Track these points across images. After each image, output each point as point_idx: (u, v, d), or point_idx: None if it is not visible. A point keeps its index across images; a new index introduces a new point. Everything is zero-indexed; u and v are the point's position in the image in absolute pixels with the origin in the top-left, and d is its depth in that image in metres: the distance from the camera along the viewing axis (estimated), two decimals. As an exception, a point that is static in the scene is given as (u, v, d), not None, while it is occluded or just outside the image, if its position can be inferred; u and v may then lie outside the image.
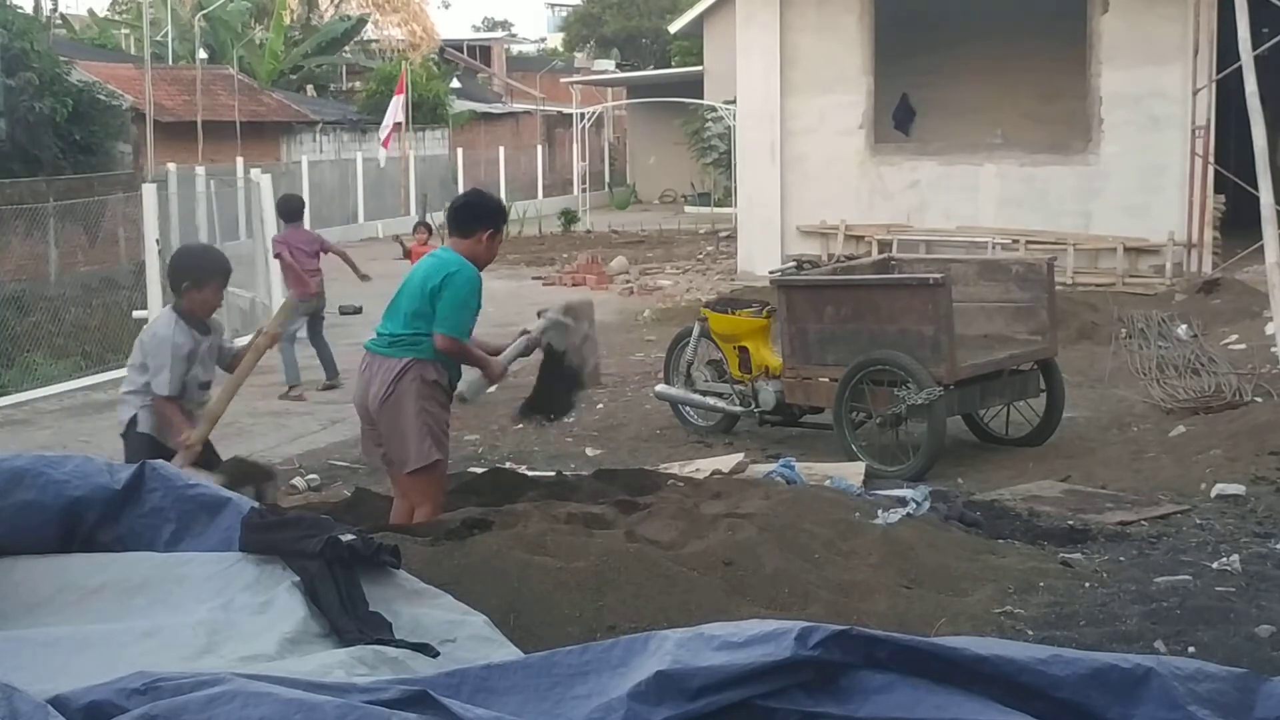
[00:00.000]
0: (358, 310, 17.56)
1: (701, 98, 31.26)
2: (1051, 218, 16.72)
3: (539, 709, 2.51)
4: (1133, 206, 16.21)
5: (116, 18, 43.43)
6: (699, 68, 32.69)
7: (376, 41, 43.08)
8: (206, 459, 5.85)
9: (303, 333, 12.45)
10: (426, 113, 35.27)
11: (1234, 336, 12.10)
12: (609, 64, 50.60)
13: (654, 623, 3.98)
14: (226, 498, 3.78)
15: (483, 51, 50.67)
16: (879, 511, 5.59)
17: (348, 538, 3.52)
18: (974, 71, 20.15)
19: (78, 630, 3.22)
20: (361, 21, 41.23)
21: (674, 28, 36.08)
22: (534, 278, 20.60)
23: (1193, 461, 7.59)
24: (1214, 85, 15.59)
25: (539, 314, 6.36)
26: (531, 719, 2.49)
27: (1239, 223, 15.45)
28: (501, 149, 37.11)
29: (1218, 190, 16.11)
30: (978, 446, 8.97)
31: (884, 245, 16.66)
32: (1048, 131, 18.37)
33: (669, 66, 42.00)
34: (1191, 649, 4.13)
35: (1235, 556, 5.28)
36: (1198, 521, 6.11)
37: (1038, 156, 17.07)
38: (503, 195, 33.33)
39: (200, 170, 21.50)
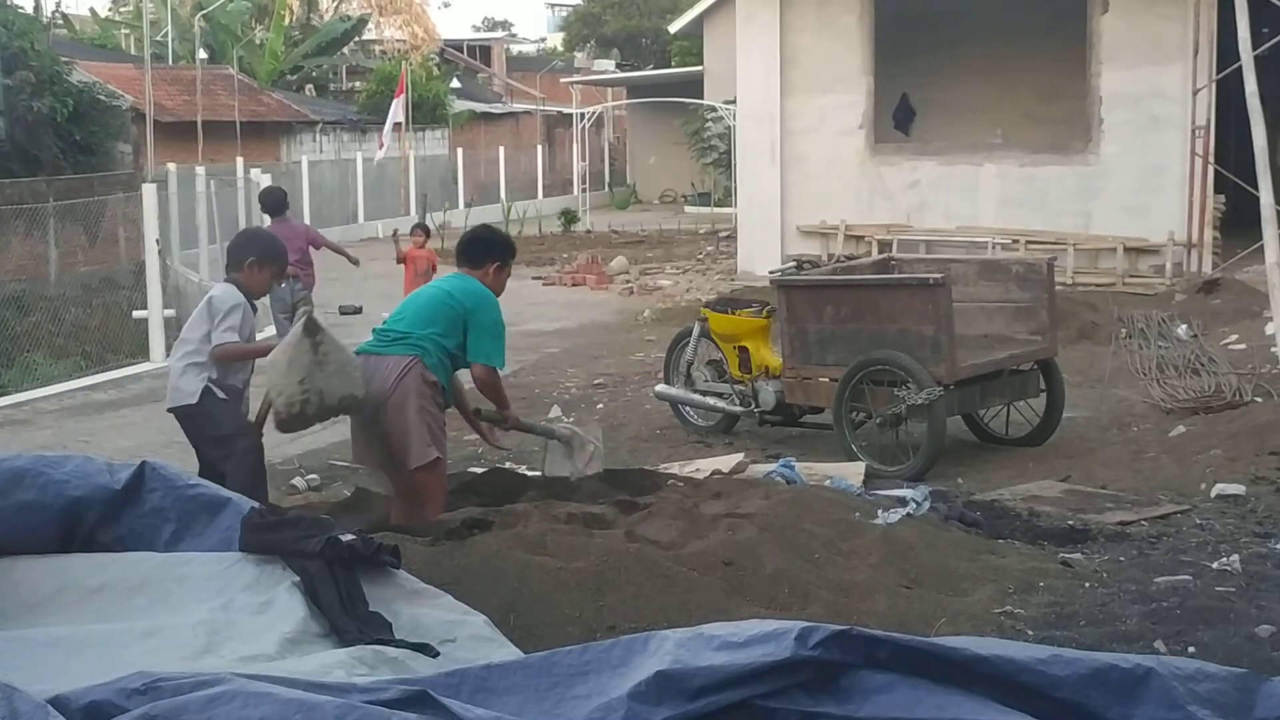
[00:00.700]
0: (358, 310, 17.58)
1: (701, 98, 31.27)
2: (1051, 218, 16.73)
3: (539, 709, 2.51)
4: (1133, 206, 16.22)
5: (117, 18, 43.43)
6: (699, 68, 32.69)
7: (377, 42, 43.09)
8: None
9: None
10: (426, 113, 35.28)
11: (1234, 336, 12.10)
12: (609, 64, 50.60)
13: (654, 623, 3.98)
14: (226, 498, 3.78)
15: (483, 51, 50.67)
16: (879, 511, 5.59)
17: (348, 538, 3.52)
18: (974, 71, 20.15)
19: (78, 630, 3.22)
20: (362, 22, 41.24)
21: (674, 28, 36.09)
22: (534, 278, 20.60)
23: (1193, 461, 7.59)
24: (1214, 85, 15.59)
25: (575, 422, 6.74)
26: (531, 719, 2.49)
27: (1239, 223, 15.46)
28: (501, 149, 37.11)
29: (1218, 190, 16.11)
30: (978, 446, 8.97)
31: (884, 245, 16.67)
32: (1048, 131, 18.37)
33: (669, 66, 42.01)
34: (1191, 649, 4.13)
35: (1235, 556, 5.28)
36: (1198, 521, 6.11)
37: (1038, 156, 17.07)
38: (502, 195, 33.47)
39: (200, 170, 21.49)
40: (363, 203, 31.98)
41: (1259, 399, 9.16)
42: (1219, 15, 15.12)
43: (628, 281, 20.08)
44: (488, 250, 6.18)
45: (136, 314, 15.48)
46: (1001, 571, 5.04)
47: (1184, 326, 12.64)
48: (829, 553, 4.96)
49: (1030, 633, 4.34)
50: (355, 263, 13.83)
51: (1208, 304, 13.93)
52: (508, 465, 8.35)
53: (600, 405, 10.98)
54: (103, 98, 26.14)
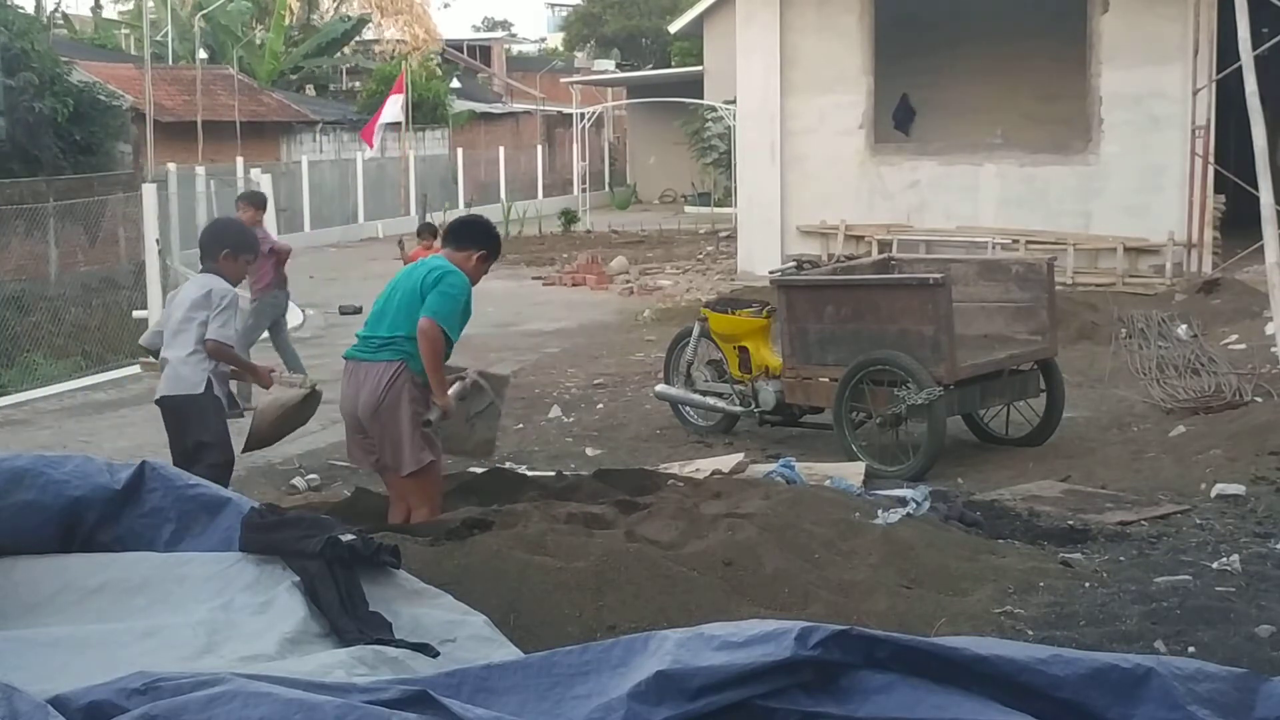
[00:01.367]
0: (358, 310, 17.56)
1: (701, 98, 31.27)
2: (1051, 218, 16.72)
3: (539, 709, 2.51)
4: (1133, 206, 16.21)
5: (117, 18, 43.45)
6: (699, 68, 32.69)
7: (377, 43, 43.09)
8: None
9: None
10: (426, 113, 35.28)
11: (1234, 336, 12.10)
12: (609, 64, 50.60)
13: (654, 623, 3.98)
14: (226, 498, 3.78)
15: (483, 51, 50.67)
16: (879, 511, 5.59)
17: (348, 538, 3.52)
18: (974, 71, 20.16)
19: (78, 630, 3.22)
20: (362, 22, 41.24)
21: (674, 28, 36.08)
22: (534, 278, 20.62)
23: (1193, 461, 7.59)
24: (1214, 85, 15.59)
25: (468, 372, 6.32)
26: (531, 719, 2.49)
27: (1239, 223, 15.45)
28: (501, 149, 37.11)
29: (1218, 190, 16.11)
30: (978, 446, 8.97)
31: (884, 245, 16.66)
32: (1048, 131, 18.37)
33: (669, 66, 42.00)
34: (1191, 649, 4.13)
35: (1235, 556, 5.28)
36: (1198, 521, 6.11)
37: (1038, 156, 17.07)
38: (502, 195, 33.47)
39: (200, 170, 21.52)
40: (363, 203, 31.98)
41: (1259, 399, 9.16)
42: (1219, 15, 15.12)
43: (628, 281, 20.08)
44: (475, 236, 6.09)
45: (136, 314, 15.49)
46: (1001, 571, 5.04)
47: (1184, 326, 12.64)
48: (829, 553, 4.96)
49: (1030, 633, 4.34)
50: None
51: (1208, 304, 13.93)
52: (508, 465, 8.36)
53: (600, 405, 10.98)
54: (103, 98, 26.13)
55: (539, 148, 39.98)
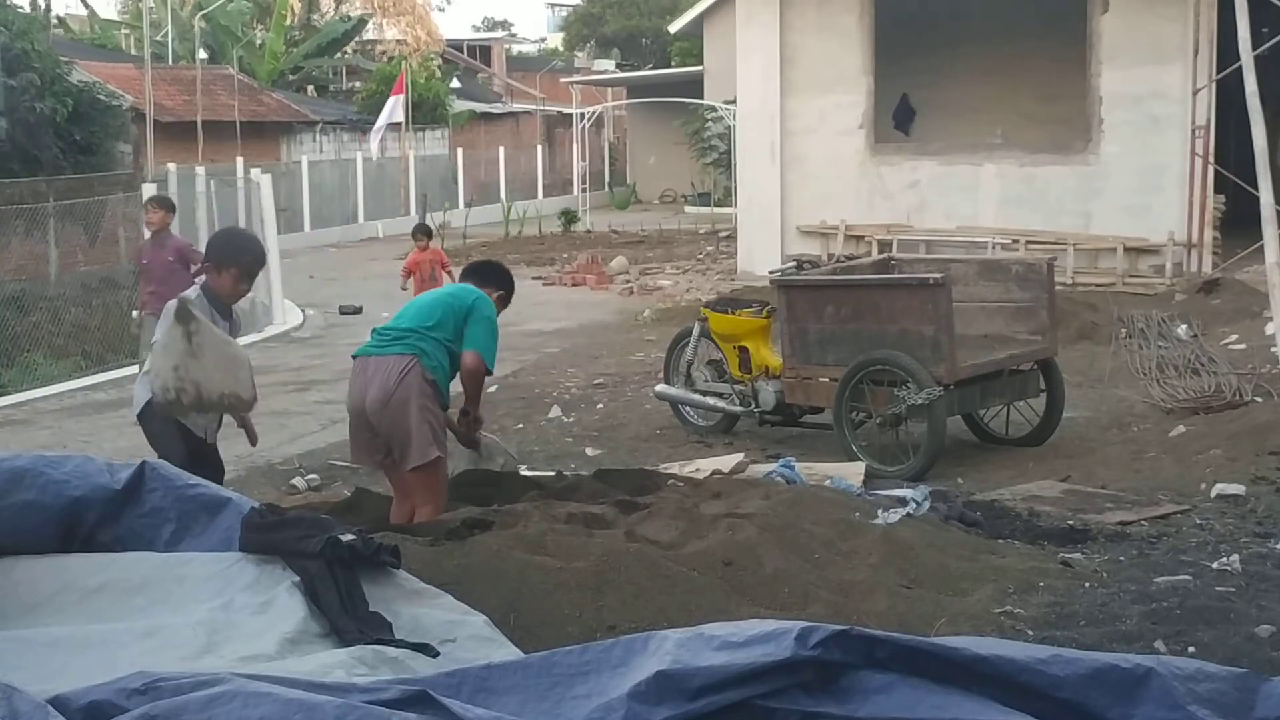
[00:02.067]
0: (358, 310, 17.59)
1: (701, 98, 31.27)
2: (1051, 218, 16.73)
3: (539, 709, 2.51)
4: (1133, 206, 16.22)
5: (117, 18, 43.44)
6: (699, 68, 32.69)
7: (378, 43, 43.09)
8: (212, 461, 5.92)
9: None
10: (426, 113, 35.28)
11: (1234, 336, 12.10)
12: (609, 64, 50.60)
13: (654, 623, 3.98)
14: (226, 498, 3.78)
15: (483, 51, 50.67)
16: (879, 511, 5.59)
17: (348, 538, 3.52)
18: (974, 71, 20.16)
19: (78, 630, 3.22)
20: (362, 22, 41.23)
21: (674, 28, 36.08)
22: (534, 278, 20.61)
23: (1193, 461, 7.59)
24: (1214, 85, 15.59)
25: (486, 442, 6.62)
26: (531, 719, 2.49)
27: (1239, 223, 15.45)
28: (501, 149, 37.11)
29: (1218, 190, 16.11)
30: (978, 446, 8.97)
31: (884, 245, 16.67)
32: (1048, 131, 18.37)
33: (669, 66, 42.00)
34: (1191, 649, 4.13)
35: (1235, 556, 5.27)
36: (1198, 521, 6.11)
37: (1038, 156, 17.07)
38: (502, 195, 33.47)
39: (200, 170, 21.50)
40: (363, 203, 31.98)
41: (1259, 399, 9.16)
42: (1219, 15, 15.12)
43: (628, 281, 20.08)
44: (496, 277, 6.36)
45: (136, 314, 15.48)
46: (1001, 571, 5.04)
47: (1184, 326, 12.64)
48: (829, 553, 4.96)
49: (1030, 633, 4.33)
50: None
51: (1208, 304, 13.93)
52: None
53: (600, 405, 10.98)
54: (103, 98, 26.12)
55: (539, 148, 39.99)
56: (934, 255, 13.99)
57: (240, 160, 25.43)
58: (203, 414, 5.75)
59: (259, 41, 37.74)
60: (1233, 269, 15.32)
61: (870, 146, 17.82)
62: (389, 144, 33.16)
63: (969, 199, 17.21)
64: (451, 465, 6.34)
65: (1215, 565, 5.18)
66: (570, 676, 2.56)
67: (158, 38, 34.04)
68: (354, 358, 6.05)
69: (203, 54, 32.77)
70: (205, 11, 34.47)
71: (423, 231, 13.84)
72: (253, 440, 6.23)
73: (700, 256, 22.88)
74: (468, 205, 31.34)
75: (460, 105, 39.25)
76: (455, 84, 41.08)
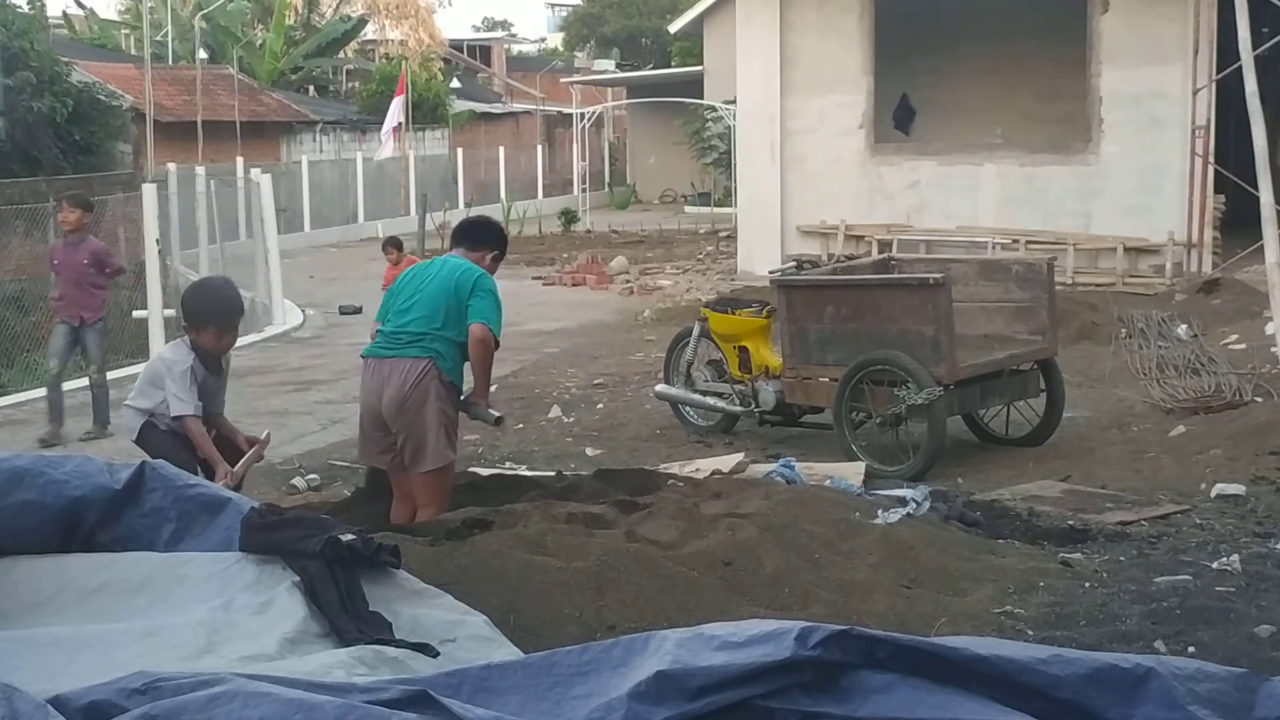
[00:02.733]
0: (358, 310, 17.58)
1: (701, 98, 31.27)
2: (1051, 218, 16.73)
3: (539, 709, 2.51)
4: (1133, 206, 16.22)
5: (117, 18, 43.43)
6: (699, 68, 32.70)
7: (378, 44, 43.09)
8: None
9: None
10: (426, 113, 35.30)
11: (1234, 336, 12.10)
12: (609, 64, 50.61)
13: (654, 623, 3.98)
14: (226, 498, 3.78)
15: (483, 51, 50.69)
16: (879, 511, 5.59)
17: (348, 538, 3.52)
18: (974, 71, 20.16)
19: (78, 630, 3.22)
20: (362, 22, 41.24)
21: (674, 28, 36.11)
22: (534, 278, 20.63)
23: (1193, 461, 7.59)
24: (1214, 85, 15.59)
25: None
26: (531, 719, 2.49)
27: (1239, 223, 15.46)
28: (501, 149, 37.12)
29: (1218, 190, 16.11)
30: (978, 446, 8.97)
31: (884, 245, 16.67)
32: (1048, 131, 18.37)
33: (669, 66, 42.01)
34: (1191, 649, 4.13)
35: (1235, 556, 5.27)
36: (1198, 521, 6.11)
37: (1038, 156, 17.07)
38: (502, 195, 33.47)
39: (200, 170, 21.51)
40: (363, 203, 31.99)
41: (1259, 399, 9.16)
42: (1219, 15, 15.12)
43: (628, 281, 20.08)
44: (488, 236, 6.24)
45: (136, 314, 15.50)
46: (1001, 571, 5.04)
47: (1184, 326, 12.64)
48: (829, 553, 4.96)
49: (1030, 633, 4.33)
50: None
51: (1208, 304, 13.93)
52: (508, 465, 8.36)
53: (600, 405, 10.98)
54: (103, 98, 26.15)
55: (539, 148, 40.00)
56: (934, 255, 13.99)
57: (240, 160, 25.44)
58: None
59: (259, 41, 37.76)
60: (1233, 269, 15.32)
61: (870, 146, 17.82)
62: (389, 144, 33.15)
63: (969, 199, 17.21)
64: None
65: (1215, 565, 5.18)
66: (570, 676, 2.56)
67: (158, 38, 34.06)
68: (363, 358, 6.03)
69: (203, 54, 32.78)
70: (205, 11, 34.47)
71: (393, 244, 13.43)
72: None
73: (700, 256, 22.88)
74: (468, 205, 31.33)
75: (460, 105, 39.27)
76: (455, 84, 41.09)
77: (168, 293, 15.62)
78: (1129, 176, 16.22)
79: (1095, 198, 16.52)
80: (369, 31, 42.73)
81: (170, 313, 14.87)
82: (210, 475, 5.69)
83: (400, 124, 29.84)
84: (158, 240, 15.00)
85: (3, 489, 3.58)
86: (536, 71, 48.21)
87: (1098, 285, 15.79)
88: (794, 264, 10.13)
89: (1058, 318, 9.61)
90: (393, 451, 5.89)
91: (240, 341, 6.74)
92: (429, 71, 39.09)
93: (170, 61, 33.42)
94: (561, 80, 42.00)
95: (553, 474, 7.06)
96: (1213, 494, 6.68)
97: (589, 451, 9.10)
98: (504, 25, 65.88)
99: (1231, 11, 10.32)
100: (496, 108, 43.19)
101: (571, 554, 4.52)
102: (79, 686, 2.52)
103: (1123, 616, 4.51)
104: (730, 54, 19.73)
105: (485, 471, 7.15)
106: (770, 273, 10.09)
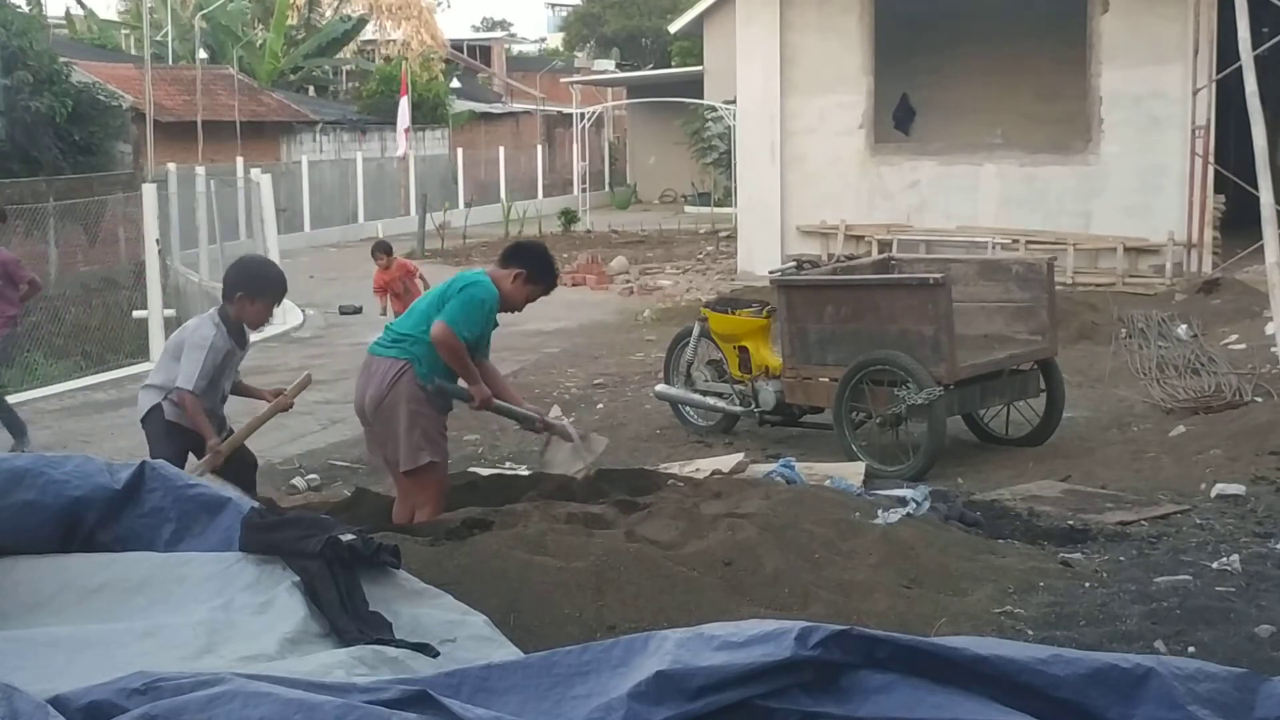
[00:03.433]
0: (357, 310, 17.58)
1: (701, 98, 31.27)
2: (1051, 218, 16.73)
3: (539, 709, 2.51)
4: (1133, 206, 16.22)
5: (117, 18, 43.44)
6: (699, 68, 32.70)
7: (378, 44, 43.09)
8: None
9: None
10: (426, 113, 35.29)
11: (1234, 336, 12.10)
12: (609, 64, 50.60)
13: (654, 623, 3.98)
14: (226, 498, 3.78)
15: (483, 51, 50.69)
16: (879, 511, 5.59)
17: (348, 538, 3.51)
18: (974, 71, 20.16)
19: (78, 630, 3.22)
20: (362, 21, 41.24)
21: (674, 28, 36.11)
22: (534, 277, 20.57)
23: (1193, 461, 7.59)
24: (1214, 85, 15.59)
25: (561, 418, 6.53)
26: (531, 719, 2.49)
27: (1239, 223, 15.46)
28: (501, 149, 37.12)
29: (1218, 190, 16.11)
30: (978, 446, 8.97)
31: (884, 245, 16.67)
32: (1048, 131, 18.38)
33: (669, 66, 42.01)
34: (1191, 649, 4.12)
35: (1235, 556, 5.27)
36: (1198, 521, 6.11)
37: (1038, 156, 17.08)
38: (502, 195, 33.46)
39: (200, 170, 21.52)
40: (363, 203, 31.98)
41: (1259, 399, 9.16)
42: (1219, 15, 15.13)
43: (628, 281, 20.08)
44: (519, 256, 6.05)
45: (136, 314, 15.51)
46: (1001, 571, 5.04)
47: (1184, 326, 12.64)
48: (829, 553, 4.96)
49: (1030, 633, 4.33)
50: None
51: (1208, 304, 13.93)
52: (507, 465, 8.36)
53: (600, 405, 10.98)
54: (102, 98, 26.14)
55: (539, 148, 40.00)
56: (934, 255, 13.99)
57: (240, 160, 25.45)
58: None
59: (259, 41, 37.75)
60: (1233, 269, 15.32)
61: (870, 146, 17.82)
62: (389, 144, 33.17)
63: (969, 199, 17.21)
64: (560, 463, 6.29)
65: (1215, 565, 5.18)
66: (570, 676, 2.56)
67: (158, 38, 34.06)
68: (368, 352, 6.08)
69: (203, 54, 32.78)
70: (205, 11, 34.47)
71: (382, 249, 13.33)
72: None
73: (700, 256, 22.88)
74: (468, 205, 31.34)
75: (460, 105, 39.27)
76: (455, 84, 41.10)
77: (168, 293, 15.64)
78: (1129, 176, 16.23)
79: (1095, 198, 16.52)
80: (369, 31, 42.74)
81: (170, 313, 14.90)
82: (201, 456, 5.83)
83: (400, 121, 29.83)
84: (158, 240, 15.01)
85: (3, 489, 3.58)
86: (536, 71, 48.22)
87: (1098, 285, 15.79)
88: (794, 264, 10.13)
89: (1058, 318, 9.61)
90: (384, 448, 5.93)
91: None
92: (430, 71, 39.09)
93: (170, 61, 33.42)
94: (561, 80, 42.01)
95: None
96: (1213, 494, 6.67)
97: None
98: (504, 25, 65.90)
99: (1231, 11, 10.33)
100: (496, 108, 43.20)
101: (571, 554, 4.52)
102: (79, 686, 2.51)
103: (1123, 616, 4.50)
104: (730, 54, 19.74)
105: (485, 471, 7.16)
106: (770, 273, 10.09)
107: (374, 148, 34.09)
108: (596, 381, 12.11)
